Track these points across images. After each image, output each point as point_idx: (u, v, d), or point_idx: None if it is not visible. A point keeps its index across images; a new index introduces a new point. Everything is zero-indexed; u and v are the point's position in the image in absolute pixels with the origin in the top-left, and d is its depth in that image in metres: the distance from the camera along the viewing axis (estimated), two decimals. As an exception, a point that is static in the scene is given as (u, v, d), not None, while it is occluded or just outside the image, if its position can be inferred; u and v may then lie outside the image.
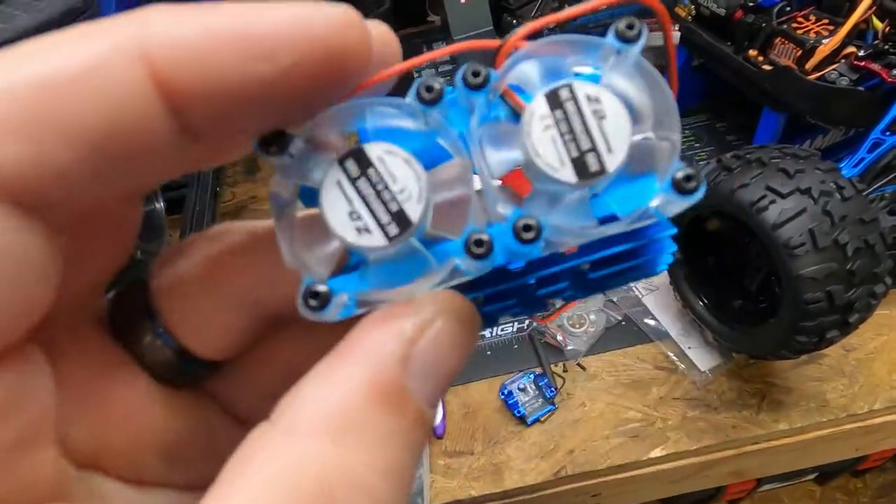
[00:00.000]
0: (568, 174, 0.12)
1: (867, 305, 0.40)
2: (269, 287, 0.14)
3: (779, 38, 0.55)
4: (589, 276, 0.14)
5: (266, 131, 0.12)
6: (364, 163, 0.12)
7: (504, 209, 0.12)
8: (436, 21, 0.96)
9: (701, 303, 0.51)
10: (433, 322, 0.12)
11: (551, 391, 0.53)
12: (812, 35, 0.53)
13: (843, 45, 0.51)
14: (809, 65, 0.52)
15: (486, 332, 0.58)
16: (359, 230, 0.12)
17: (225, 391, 0.15)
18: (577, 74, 0.13)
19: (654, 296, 0.58)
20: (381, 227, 0.12)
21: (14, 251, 0.10)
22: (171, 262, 0.14)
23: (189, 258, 0.14)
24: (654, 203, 0.12)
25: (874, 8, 0.51)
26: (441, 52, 0.14)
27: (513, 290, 0.14)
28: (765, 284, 0.50)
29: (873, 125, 0.49)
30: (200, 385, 0.15)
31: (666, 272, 0.53)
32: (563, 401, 0.53)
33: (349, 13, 0.11)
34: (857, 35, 0.52)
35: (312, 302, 0.12)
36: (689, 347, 0.54)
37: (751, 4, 0.57)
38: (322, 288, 0.12)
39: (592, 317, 0.57)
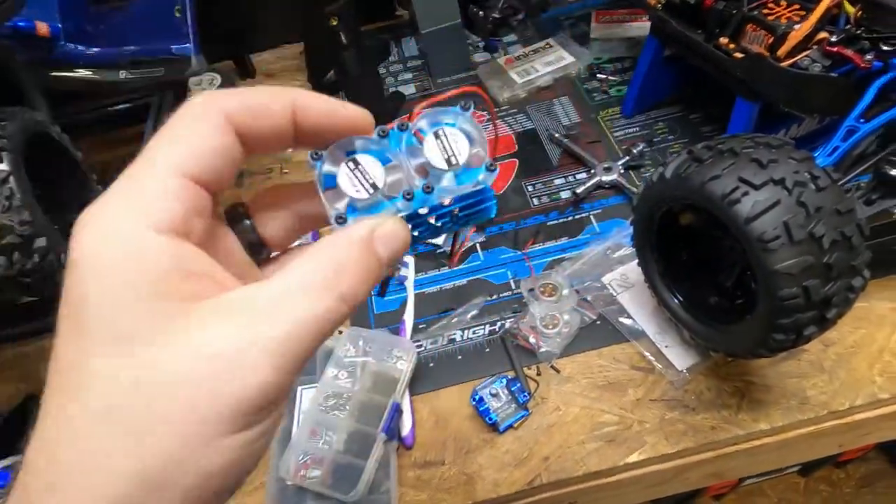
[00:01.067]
0: (443, 165, 0.24)
1: (845, 300, 0.39)
2: (307, 210, 0.24)
3: (750, 25, 0.53)
4: (459, 215, 0.26)
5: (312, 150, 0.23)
6: (356, 163, 0.23)
7: (418, 182, 0.24)
8: (404, 15, 0.93)
9: (676, 300, 0.49)
10: (386, 221, 0.22)
11: (524, 396, 0.51)
12: (783, 21, 0.51)
13: (815, 30, 0.50)
14: (782, 52, 0.51)
15: (457, 336, 0.56)
16: (357, 190, 0.23)
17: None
18: (444, 122, 0.24)
19: (629, 294, 0.56)
20: (366, 189, 0.23)
21: (233, 148, 0.21)
22: (259, 192, 0.25)
23: (267, 190, 0.25)
24: (481, 178, 0.24)
25: (846, -9, 0.49)
26: (432, 100, 0.26)
27: (424, 223, 0.25)
28: (740, 280, 0.48)
29: (848, 112, 0.47)
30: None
31: (640, 270, 0.52)
32: (536, 406, 0.51)
33: (364, 114, 0.24)
34: (829, 20, 0.51)
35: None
36: (666, 346, 0.52)
37: (721, -9, 0.55)
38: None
39: (566, 317, 0.55)
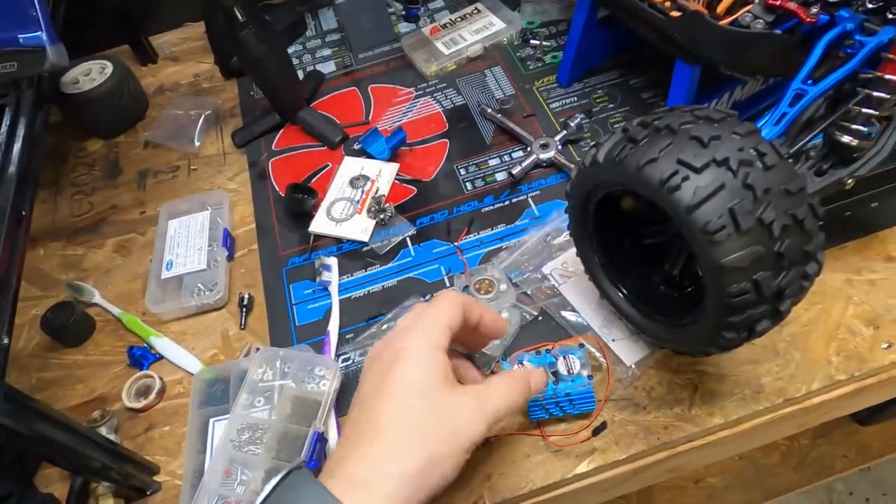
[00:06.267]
0: (565, 372, 0.46)
1: (799, 289, 0.35)
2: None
3: (685, -21, 0.48)
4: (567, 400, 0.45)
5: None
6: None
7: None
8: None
9: (620, 293, 0.45)
10: (539, 373, 0.42)
11: (463, 408, 0.47)
12: (721, -27, 0.46)
13: (756, -18, 0.45)
14: (720, 8, 0.46)
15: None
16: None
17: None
18: (570, 352, 0.47)
19: (571, 284, 0.51)
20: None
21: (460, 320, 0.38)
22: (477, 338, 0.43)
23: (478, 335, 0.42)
24: (580, 386, 0.45)
25: (786, -63, 0.44)
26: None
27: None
28: (688, 267, 0.44)
29: (792, 73, 0.43)
30: None
31: (580, 260, 0.47)
32: (477, 417, 0.46)
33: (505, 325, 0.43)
34: (771, -30, 0.46)
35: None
36: (613, 340, 0.48)
37: (653, -58, 0.50)
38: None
39: (505, 314, 0.50)
